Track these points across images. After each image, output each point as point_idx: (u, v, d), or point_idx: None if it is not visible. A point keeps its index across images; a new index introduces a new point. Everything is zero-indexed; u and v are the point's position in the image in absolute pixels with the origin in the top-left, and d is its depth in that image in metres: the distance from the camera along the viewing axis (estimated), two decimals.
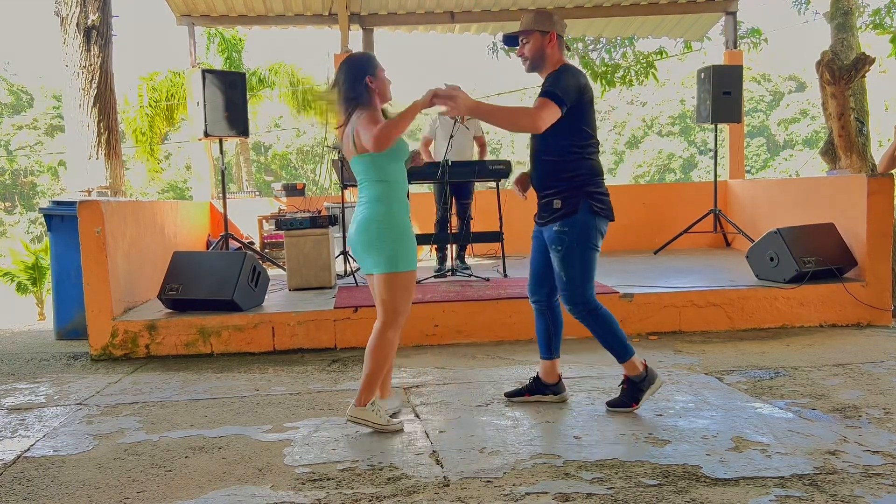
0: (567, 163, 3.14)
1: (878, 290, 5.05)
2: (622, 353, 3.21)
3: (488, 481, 2.52)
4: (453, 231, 6.40)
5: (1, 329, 6.63)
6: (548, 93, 3.04)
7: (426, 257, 7.72)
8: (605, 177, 3.26)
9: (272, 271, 6.40)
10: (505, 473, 2.58)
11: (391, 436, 3.05)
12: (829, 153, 7.66)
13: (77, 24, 7.41)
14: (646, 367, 3.25)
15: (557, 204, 3.15)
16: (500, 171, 6.04)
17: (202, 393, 3.85)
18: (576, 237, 3.12)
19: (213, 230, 8.19)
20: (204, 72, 6.72)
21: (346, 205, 7.05)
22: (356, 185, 3.22)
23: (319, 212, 6.64)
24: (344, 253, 6.51)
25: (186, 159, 27.53)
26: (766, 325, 4.99)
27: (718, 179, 7.67)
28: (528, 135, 3.25)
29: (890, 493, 2.33)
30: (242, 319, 4.79)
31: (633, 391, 3.24)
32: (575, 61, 12.27)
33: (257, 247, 8.07)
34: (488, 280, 5.73)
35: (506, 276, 5.95)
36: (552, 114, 3.01)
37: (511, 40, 3.30)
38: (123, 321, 4.77)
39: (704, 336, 4.83)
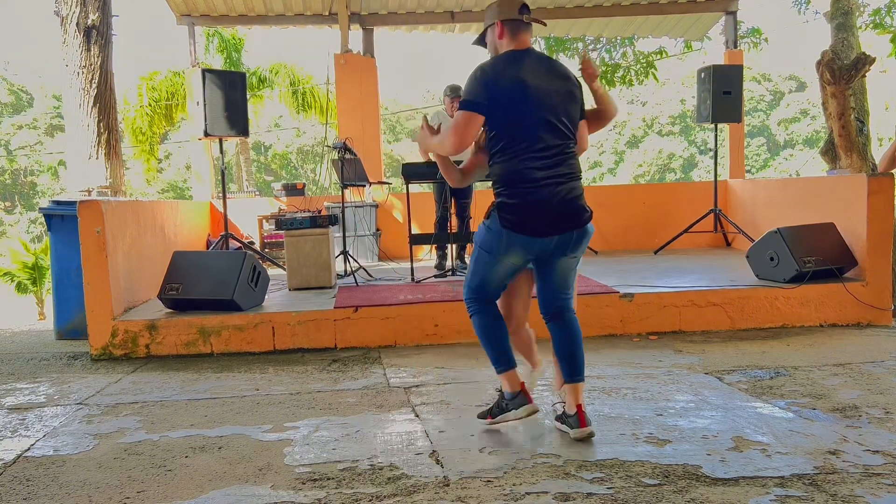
0: (491, 167, 2.97)
1: (879, 289, 5.04)
2: (494, 362, 3.00)
3: (488, 481, 2.52)
4: (453, 230, 6.40)
5: (1, 329, 6.64)
6: (461, 103, 2.88)
7: (426, 257, 7.72)
8: (532, 184, 2.81)
9: (272, 271, 6.40)
10: (505, 473, 2.58)
11: (391, 435, 3.05)
12: (830, 153, 7.68)
13: (77, 24, 7.41)
14: (522, 391, 2.97)
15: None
16: None
17: (202, 393, 3.85)
18: (478, 237, 3.02)
19: (213, 230, 8.19)
20: (204, 71, 6.71)
21: (345, 205, 7.05)
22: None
23: (319, 211, 6.63)
24: (344, 252, 6.50)
25: (186, 159, 27.54)
26: (766, 324, 4.99)
27: (718, 179, 7.67)
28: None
29: (890, 493, 2.33)
30: (242, 319, 4.79)
31: (499, 404, 3.04)
32: (575, 61, 12.29)
33: (257, 246, 8.07)
34: None
35: None
36: (468, 123, 2.82)
37: (483, 42, 3.15)
38: (123, 321, 4.77)
39: (705, 336, 4.82)
